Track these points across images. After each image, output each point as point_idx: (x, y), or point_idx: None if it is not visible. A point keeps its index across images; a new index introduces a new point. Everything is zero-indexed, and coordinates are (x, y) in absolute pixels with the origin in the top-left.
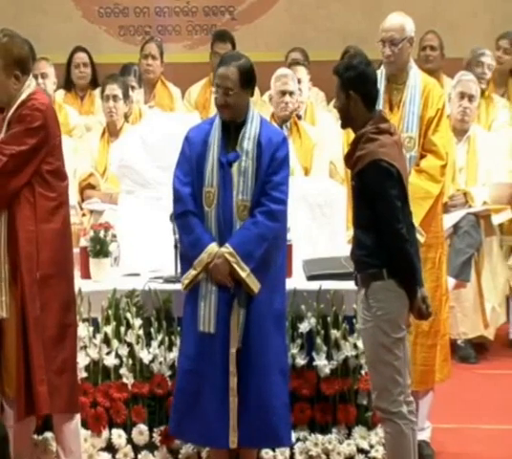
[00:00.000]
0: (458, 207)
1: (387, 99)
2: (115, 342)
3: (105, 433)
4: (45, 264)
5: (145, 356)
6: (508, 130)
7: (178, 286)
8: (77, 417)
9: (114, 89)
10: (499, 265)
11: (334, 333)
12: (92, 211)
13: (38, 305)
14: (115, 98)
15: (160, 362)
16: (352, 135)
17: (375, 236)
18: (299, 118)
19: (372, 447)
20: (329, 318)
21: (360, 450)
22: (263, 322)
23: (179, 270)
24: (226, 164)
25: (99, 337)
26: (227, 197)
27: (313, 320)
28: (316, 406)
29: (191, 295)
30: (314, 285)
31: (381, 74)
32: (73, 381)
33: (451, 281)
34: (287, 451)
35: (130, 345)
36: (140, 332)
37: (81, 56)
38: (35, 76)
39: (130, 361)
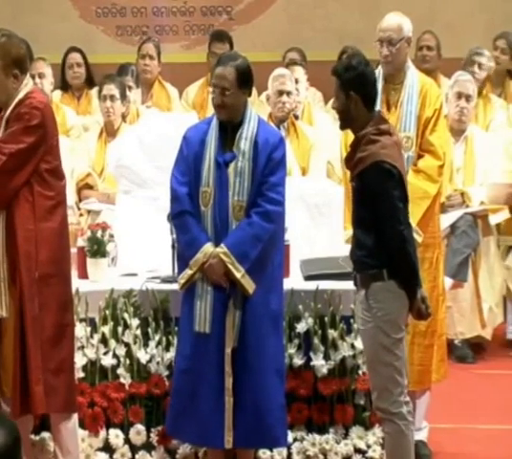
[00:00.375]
0: (455, 207)
1: (384, 99)
2: (112, 342)
3: (102, 433)
4: (44, 263)
5: (143, 356)
6: (505, 130)
7: (175, 286)
8: (75, 417)
9: (111, 89)
10: (496, 265)
11: (332, 333)
12: (89, 211)
13: (37, 304)
14: (112, 98)
15: (158, 362)
16: (350, 135)
17: (376, 237)
18: (296, 118)
19: (369, 447)
20: (326, 318)
21: (357, 450)
22: (259, 323)
23: (176, 270)
24: (223, 165)
25: (97, 337)
26: (223, 197)
27: (311, 320)
28: (313, 406)
29: (188, 294)
30: (312, 285)
31: (378, 74)
32: (70, 380)
33: (448, 281)
34: (284, 451)
35: (127, 345)
36: (138, 332)
37: (74, 57)
38: (32, 76)
39: (127, 361)
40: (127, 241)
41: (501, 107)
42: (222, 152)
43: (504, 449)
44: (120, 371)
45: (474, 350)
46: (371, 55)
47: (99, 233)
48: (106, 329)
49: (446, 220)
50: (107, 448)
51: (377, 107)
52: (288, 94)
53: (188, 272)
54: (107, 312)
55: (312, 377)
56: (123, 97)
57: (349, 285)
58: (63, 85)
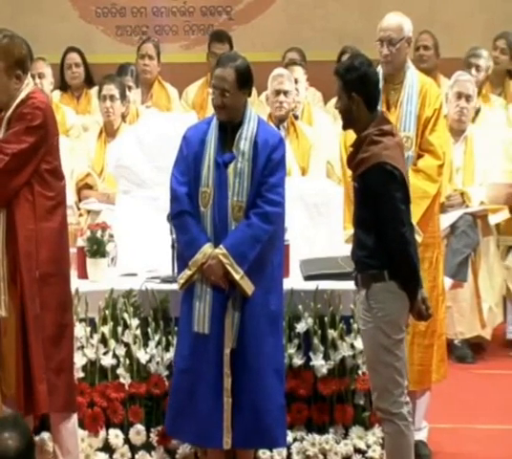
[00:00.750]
0: (455, 207)
1: (384, 99)
2: (112, 342)
3: (102, 433)
4: (44, 263)
5: (142, 356)
6: (505, 130)
7: (175, 286)
8: (75, 417)
9: (111, 89)
10: (495, 265)
11: (331, 333)
12: (89, 211)
13: (38, 304)
14: (112, 98)
15: (158, 362)
16: (349, 135)
17: (377, 238)
18: (296, 118)
19: (369, 447)
20: (326, 318)
21: (357, 450)
22: (257, 323)
23: (176, 270)
24: (222, 165)
25: (96, 337)
26: (223, 198)
27: (310, 320)
28: (313, 406)
29: (187, 295)
30: (311, 285)
31: (378, 74)
32: (70, 380)
33: (448, 281)
34: (284, 451)
35: (127, 345)
36: (138, 332)
37: (72, 57)
38: (32, 76)
39: (127, 362)
40: (127, 241)
41: (501, 107)
42: (221, 152)
43: (504, 449)
44: (120, 371)
45: (474, 350)
46: (370, 55)
47: (99, 233)
48: (106, 329)
49: (446, 220)
50: (107, 448)
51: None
52: (286, 93)
53: (187, 272)
54: (107, 312)
55: (312, 377)
56: (123, 97)
57: (348, 285)
58: (62, 85)
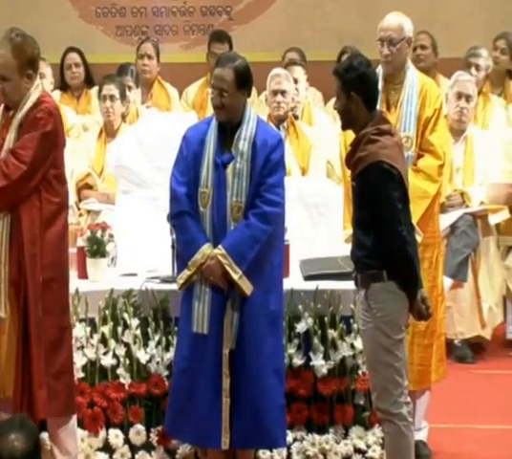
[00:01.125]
0: (455, 207)
1: (384, 99)
2: (112, 342)
3: (102, 433)
4: (47, 267)
5: (142, 356)
6: (505, 130)
7: (175, 286)
8: (74, 417)
9: (111, 89)
10: (495, 265)
11: (331, 333)
12: (89, 211)
13: (40, 308)
14: (112, 98)
15: (158, 363)
16: (349, 135)
17: (376, 237)
18: (296, 118)
19: (369, 447)
20: (326, 318)
21: (357, 450)
22: (257, 323)
23: (175, 270)
24: (221, 165)
25: (96, 337)
26: (222, 198)
27: (310, 320)
28: (313, 406)
29: (187, 295)
30: (311, 285)
31: (378, 73)
32: (70, 383)
33: (448, 281)
34: (284, 451)
35: (127, 345)
36: (138, 332)
37: (72, 57)
38: None
39: (127, 362)
40: (127, 241)
41: (501, 107)
42: (220, 153)
43: (504, 449)
44: (120, 371)
45: (473, 350)
46: (370, 55)
47: (99, 233)
48: (106, 329)
49: (446, 220)
50: (107, 448)
51: (377, 107)
52: (283, 93)
53: (187, 272)
54: (107, 312)
55: (312, 377)
56: (123, 97)
57: (348, 285)
58: (62, 85)
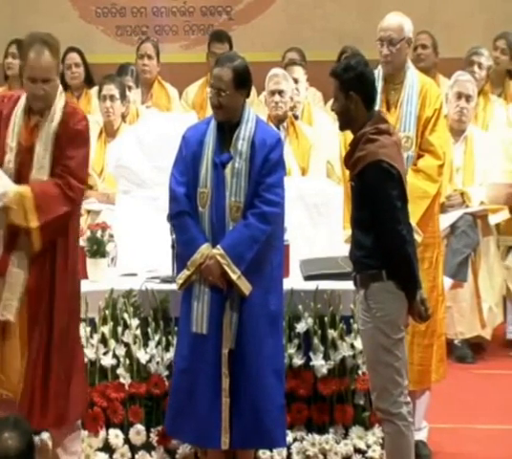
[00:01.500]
0: (455, 207)
1: (384, 99)
2: (112, 342)
3: (102, 433)
4: (74, 275)
5: (142, 356)
6: (505, 130)
7: (175, 286)
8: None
9: (111, 89)
10: (495, 265)
11: (331, 333)
12: (89, 211)
13: (66, 317)
14: (112, 98)
15: (158, 363)
16: (349, 135)
17: (375, 237)
18: (296, 118)
19: (369, 447)
20: (326, 318)
21: (357, 450)
22: (256, 323)
23: (175, 270)
24: (220, 165)
25: (96, 337)
26: (220, 198)
27: (310, 320)
28: (313, 406)
29: (186, 295)
30: (311, 285)
31: (378, 73)
32: (84, 391)
33: (448, 281)
34: (284, 451)
35: (127, 345)
36: (138, 332)
37: (72, 57)
38: None
39: (127, 362)
40: (127, 241)
41: (501, 107)
42: (219, 153)
43: (504, 449)
44: (120, 371)
45: (474, 350)
46: (370, 55)
47: (99, 233)
48: (106, 329)
49: (446, 220)
50: (107, 448)
51: (377, 107)
52: (281, 93)
53: (186, 272)
54: (107, 312)
55: (312, 377)
56: (123, 97)
57: (348, 285)
58: (62, 85)
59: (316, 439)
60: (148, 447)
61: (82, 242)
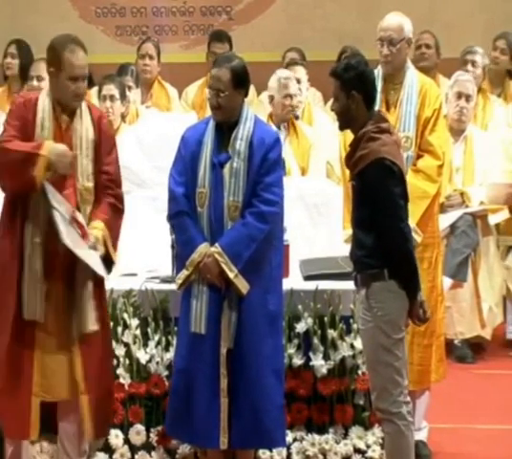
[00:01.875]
0: (454, 208)
1: (384, 99)
2: (112, 342)
3: None
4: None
5: (142, 356)
6: (504, 130)
7: (174, 286)
8: None
9: (111, 89)
10: (495, 265)
11: (331, 333)
12: None
13: (108, 321)
14: (111, 98)
15: (157, 363)
16: (349, 135)
17: (376, 236)
18: (296, 118)
19: (368, 447)
20: (325, 318)
21: (357, 450)
22: (255, 323)
23: (175, 270)
24: (218, 165)
25: None
26: (219, 198)
27: (310, 320)
28: (313, 406)
29: (185, 295)
30: (311, 285)
31: (378, 73)
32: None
33: (447, 281)
34: (283, 451)
35: (127, 345)
36: (137, 332)
37: None
38: (32, 78)
39: (127, 362)
40: (127, 241)
41: (500, 107)
42: (217, 153)
43: (504, 449)
44: (120, 371)
45: (473, 350)
46: (370, 55)
47: None
48: None
49: (446, 220)
50: (107, 448)
51: (377, 107)
52: (294, 96)
53: (185, 272)
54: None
55: (312, 377)
56: (123, 97)
57: (348, 285)
58: None
59: (316, 439)
60: (148, 447)
61: None
